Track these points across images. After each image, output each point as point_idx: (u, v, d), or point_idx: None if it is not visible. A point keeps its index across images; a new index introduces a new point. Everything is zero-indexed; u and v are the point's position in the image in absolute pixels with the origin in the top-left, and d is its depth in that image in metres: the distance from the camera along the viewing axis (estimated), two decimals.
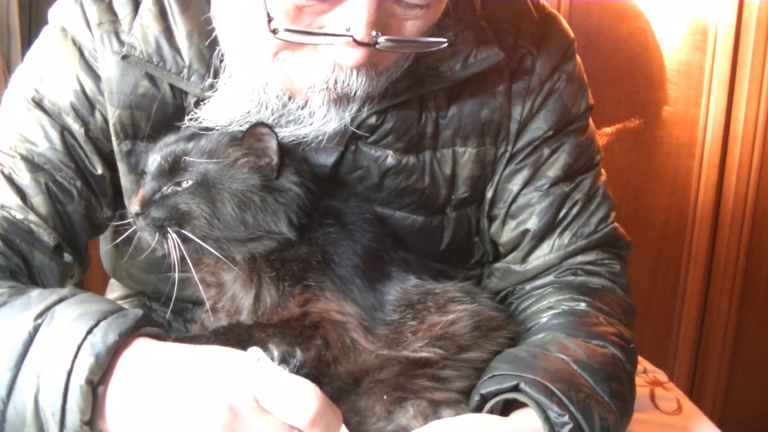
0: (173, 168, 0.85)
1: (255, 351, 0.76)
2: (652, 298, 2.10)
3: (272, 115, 0.90)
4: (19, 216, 0.90)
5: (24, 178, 0.91)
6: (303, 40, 0.81)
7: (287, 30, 0.79)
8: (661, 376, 1.28)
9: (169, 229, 0.84)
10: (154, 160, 0.87)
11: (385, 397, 0.81)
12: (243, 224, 0.86)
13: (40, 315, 0.73)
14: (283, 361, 0.78)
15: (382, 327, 0.87)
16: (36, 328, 0.72)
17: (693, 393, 2.16)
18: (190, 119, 0.92)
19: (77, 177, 0.94)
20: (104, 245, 1.15)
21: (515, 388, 0.80)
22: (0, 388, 0.71)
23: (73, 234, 0.95)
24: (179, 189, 0.85)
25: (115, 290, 1.22)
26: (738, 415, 2.20)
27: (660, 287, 2.11)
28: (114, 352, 0.71)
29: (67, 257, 0.94)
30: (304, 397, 0.67)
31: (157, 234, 0.85)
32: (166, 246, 0.85)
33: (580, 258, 1.03)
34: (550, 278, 1.03)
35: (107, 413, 0.71)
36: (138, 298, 1.18)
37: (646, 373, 1.24)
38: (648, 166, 2.04)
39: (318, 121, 0.90)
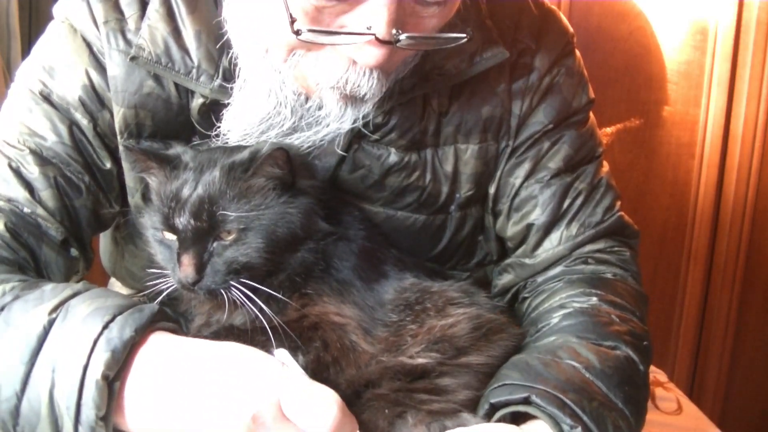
0: (212, 225, 0.82)
1: (281, 353, 0.76)
2: (652, 298, 2.08)
3: (292, 115, 0.90)
4: (27, 210, 0.89)
5: (32, 171, 0.91)
6: (325, 40, 0.81)
7: (310, 30, 0.79)
8: (661, 376, 1.28)
9: (233, 283, 0.82)
10: (182, 222, 0.82)
11: (386, 411, 0.81)
12: (295, 242, 0.85)
13: (55, 309, 0.73)
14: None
15: (381, 328, 0.87)
16: (50, 323, 0.72)
17: (693, 393, 2.16)
18: (216, 135, 0.92)
19: (85, 172, 0.94)
20: (104, 243, 1.15)
21: (526, 400, 0.79)
22: (14, 381, 0.71)
23: (80, 229, 0.95)
24: (226, 242, 0.82)
25: (115, 289, 1.22)
26: (738, 415, 2.20)
27: (660, 287, 2.11)
28: (131, 347, 0.71)
29: (74, 252, 0.93)
30: (326, 405, 0.68)
31: (222, 292, 0.83)
32: (231, 299, 0.83)
33: (589, 247, 1.03)
34: (560, 269, 1.03)
35: (125, 409, 0.71)
36: (138, 298, 1.17)
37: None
38: (648, 166, 2.04)
39: (335, 121, 0.90)
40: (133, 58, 0.91)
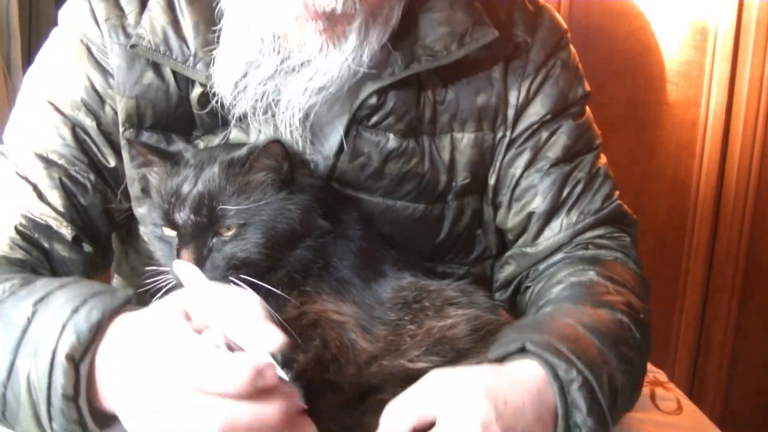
0: (211, 220, 0.83)
1: (212, 334, 0.73)
2: (652, 298, 2.10)
3: (277, 54, 0.91)
4: (37, 212, 0.92)
5: (39, 175, 0.93)
6: None
7: None
8: (661, 376, 1.27)
9: (232, 279, 0.83)
10: (181, 217, 0.83)
11: None
12: (294, 238, 0.86)
13: (39, 300, 0.75)
14: (286, 365, 0.77)
15: (380, 327, 0.87)
16: (33, 313, 0.74)
17: (693, 393, 2.16)
18: (210, 89, 0.93)
19: (90, 170, 0.96)
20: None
21: (522, 350, 0.80)
22: (1, 371, 0.73)
23: (92, 227, 0.97)
24: (226, 238, 0.83)
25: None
26: (738, 415, 2.20)
27: (660, 287, 2.11)
28: (97, 329, 0.72)
29: (87, 248, 0.95)
30: (235, 373, 0.65)
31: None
32: None
33: (589, 233, 1.04)
34: (561, 255, 1.04)
35: (99, 389, 0.72)
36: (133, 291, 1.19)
37: (646, 373, 1.24)
38: (648, 166, 2.04)
39: (320, 59, 0.90)
40: (132, 46, 0.93)
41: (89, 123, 0.96)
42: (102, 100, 0.97)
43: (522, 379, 0.78)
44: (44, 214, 0.92)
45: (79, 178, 0.95)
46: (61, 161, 0.94)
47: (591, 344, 0.83)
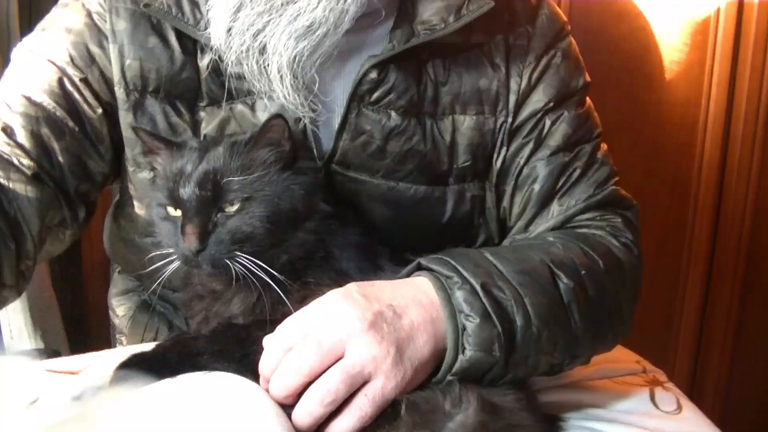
0: (216, 194, 0.84)
1: None
2: (652, 298, 2.10)
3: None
4: (3, 148, 0.93)
5: (15, 115, 0.94)
6: None
7: None
8: (661, 376, 1.27)
9: (238, 252, 0.83)
10: (186, 192, 0.84)
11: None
12: (297, 218, 0.87)
13: None
14: None
15: None
16: None
17: (693, 393, 2.16)
18: (216, 54, 0.96)
19: (70, 117, 0.97)
20: (106, 224, 1.19)
21: (418, 266, 0.87)
22: None
23: (61, 174, 0.97)
24: (231, 212, 0.84)
25: (117, 285, 1.24)
26: (738, 415, 2.20)
27: (660, 287, 2.11)
28: None
29: (47, 189, 0.95)
30: None
31: (227, 263, 0.84)
32: (235, 274, 0.84)
33: (578, 217, 1.06)
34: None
35: None
36: (138, 294, 1.20)
37: (646, 373, 1.23)
38: (648, 166, 2.04)
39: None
40: (146, 5, 0.96)
41: (75, 78, 0.98)
42: (92, 59, 0.99)
43: (407, 282, 0.84)
44: (6, 150, 0.92)
45: (57, 121, 0.96)
46: (44, 103, 0.95)
47: (487, 261, 0.86)
